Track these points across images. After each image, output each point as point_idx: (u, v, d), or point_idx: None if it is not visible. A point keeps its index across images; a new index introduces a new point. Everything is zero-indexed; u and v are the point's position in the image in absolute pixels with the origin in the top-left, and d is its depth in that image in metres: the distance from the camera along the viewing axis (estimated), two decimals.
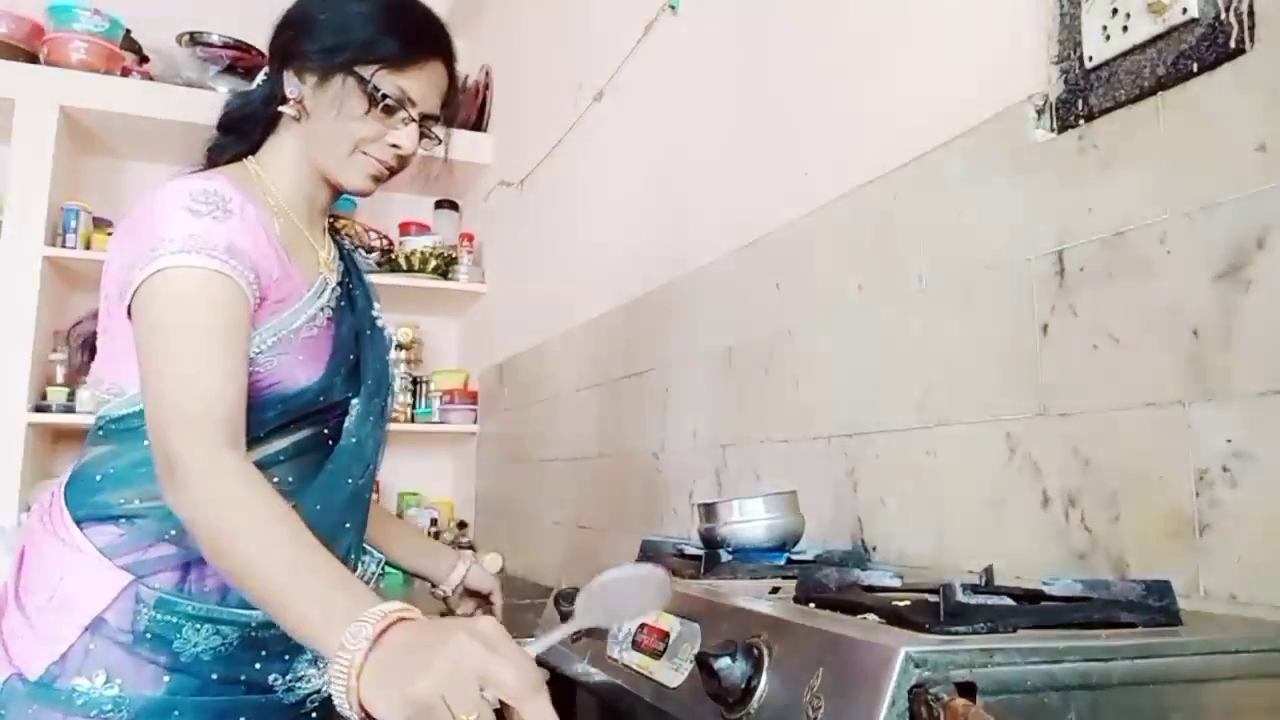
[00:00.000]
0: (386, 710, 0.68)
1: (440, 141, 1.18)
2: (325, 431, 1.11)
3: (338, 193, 1.17)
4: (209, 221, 0.99)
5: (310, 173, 1.14)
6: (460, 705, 0.65)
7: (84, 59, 2.80)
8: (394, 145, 1.11)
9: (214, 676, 1.00)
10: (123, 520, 1.01)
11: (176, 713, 0.98)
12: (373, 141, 1.10)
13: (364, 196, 1.17)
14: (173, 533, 1.00)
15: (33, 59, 2.81)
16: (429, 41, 1.12)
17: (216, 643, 1.00)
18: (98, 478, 1.03)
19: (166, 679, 0.99)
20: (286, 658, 1.06)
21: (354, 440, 1.12)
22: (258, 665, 1.03)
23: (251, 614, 1.01)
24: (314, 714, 1.10)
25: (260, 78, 1.19)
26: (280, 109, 1.13)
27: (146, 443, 0.99)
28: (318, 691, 1.08)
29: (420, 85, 1.11)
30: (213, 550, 0.86)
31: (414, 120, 1.11)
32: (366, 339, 1.18)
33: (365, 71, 1.07)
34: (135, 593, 0.99)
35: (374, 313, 1.24)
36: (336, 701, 0.71)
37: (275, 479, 1.04)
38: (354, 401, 1.13)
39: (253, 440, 1.03)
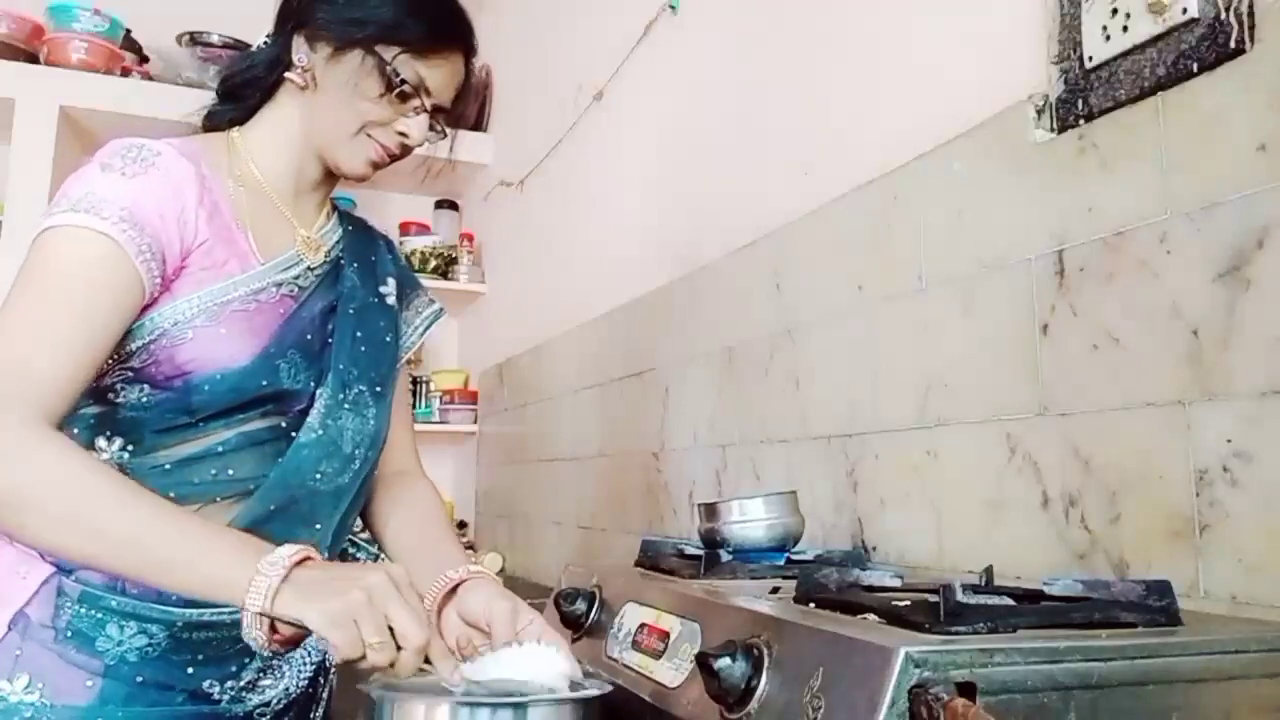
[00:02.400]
0: (301, 616, 0.75)
1: (444, 136, 1.12)
2: (284, 424, 1.03)
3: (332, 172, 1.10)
4: (115, 178, 0.93)
5: (301, 145, 1.07)
6: (369, 631, 0.74)
7: (84, 59, 2.80)
8: (401, 134, 1.05)
9: (139, 680, 0.94)
10: None
11: None
12: (380, 126, 1.04)
13: (359, 182, 1.10)
14: None
15: (33, 59, 2.81)
16: (455, 31, 1.07)
17: (142, 642, 0.93)
18: None
19: (91, 684, 0.92)
20: (233, 667, 0.99)
21: (316, 434, 1.03)
22: (190, 670, 0.96)
23: (180, 612, 0.94)
24: None
25: (263, 39, 1.10)
26: (285, 75, 1.05)
27: (75, 430, 0.95)
28: (267, 704, 1.01)
29: (439, 75, 1.05)
30: (51, 528, 0.82)
31: (426, 111, 1.06)
32: (348, 318, 1.08)
33: (386, 52, 1.01)
34: (57, 585, 0.93)
35: (382, 289, 1.16)
36: (245, 625, 0.76)
37: (213, 471, 0.98)
38: (320, 391, 1.04)
39: (186, 428, 0.96)
